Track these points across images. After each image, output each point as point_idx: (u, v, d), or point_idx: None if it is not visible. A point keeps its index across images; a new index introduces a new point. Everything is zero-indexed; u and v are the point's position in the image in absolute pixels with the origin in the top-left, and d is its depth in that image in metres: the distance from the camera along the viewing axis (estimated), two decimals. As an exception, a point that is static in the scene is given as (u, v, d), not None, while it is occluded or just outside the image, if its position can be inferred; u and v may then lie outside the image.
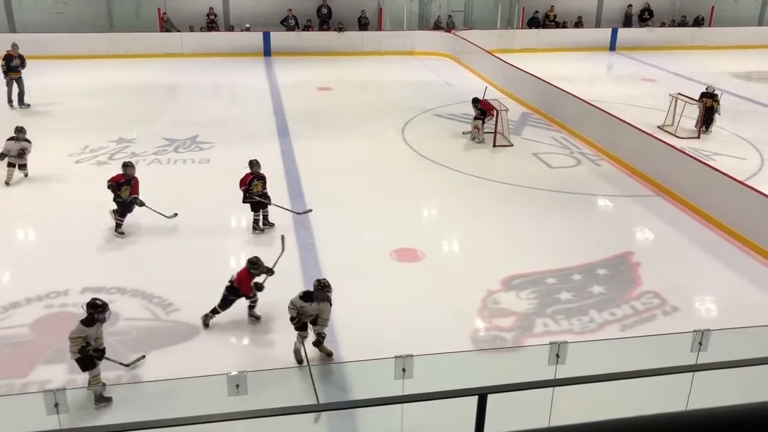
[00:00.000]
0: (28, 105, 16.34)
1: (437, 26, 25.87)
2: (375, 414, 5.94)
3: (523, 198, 11.69)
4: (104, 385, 6.40)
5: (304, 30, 24.64)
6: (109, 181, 9.68)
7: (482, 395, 3.35)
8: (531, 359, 7.14)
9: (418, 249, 9.55)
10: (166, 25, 24.08)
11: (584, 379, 3.73)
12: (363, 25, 25.10)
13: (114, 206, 9.70)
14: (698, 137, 14.92)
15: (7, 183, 11.44)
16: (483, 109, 14.36)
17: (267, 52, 23.58)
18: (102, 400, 6.36)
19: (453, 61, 23.42)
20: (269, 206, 10.08)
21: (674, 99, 15.51)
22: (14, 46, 16.51)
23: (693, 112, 15.22)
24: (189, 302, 8.02)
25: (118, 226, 9.71)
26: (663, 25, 27.52)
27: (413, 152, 13.91)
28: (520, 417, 3.16)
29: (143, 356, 7.07)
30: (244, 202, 9.89)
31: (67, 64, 21.06)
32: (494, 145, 14.26)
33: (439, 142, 14.48)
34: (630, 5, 27.33)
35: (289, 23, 24.39)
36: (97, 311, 6.34)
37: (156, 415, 3.58)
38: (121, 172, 9.82)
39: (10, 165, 11.53)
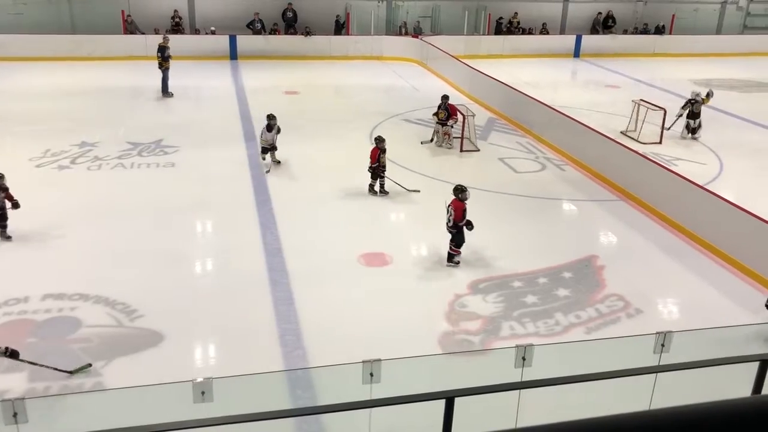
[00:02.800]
0: None
1: (404, 32, 25.99)
2: (343, 419, 5.91)
3: (489, 202, 11.78)
4: None
5: (270, 33, 24.52)
6: None
7: (450, 398, 3.37)
8: (498, 362, 7.18)
9: (385, 253, 9.55)
10: (130, 27, 23.73)
11: (550, 381, 3.77)
12: (339, 26, 25.11)
13: None
14: (660, 142, 15.23)
15: None
16: (449, 111, 14.44)
17: (233, 55, 23.40)
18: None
19: (421, 66, 23.53)
20: (385, 176, 11.71)
21: (637, 105, 15.81)
22: None
23: (655, 117, 15.51)
24: (153, 308, 7.90)
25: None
26: (625, 32, 28.07)
27: (381, 157, 13.90)
28: (487, 419, 3.17)
29: (89, 365, 6.92)
30: (369, 170, 11.67)
31: (27, 66, 20.61)
32: (461, 150, 14.36)
33: (407, 147, 14.51)
34: (600, 12, 27.79)
35: (255, 26, 24.24)
36: None
37: (120, 423, 3.51)
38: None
39: None
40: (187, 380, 4.83)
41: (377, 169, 11.63)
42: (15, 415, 4.27)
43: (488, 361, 7.52)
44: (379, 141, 11.66)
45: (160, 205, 10.97)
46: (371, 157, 11.61)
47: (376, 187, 11.76)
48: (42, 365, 6.68)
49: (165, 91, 17.97)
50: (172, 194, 11.46)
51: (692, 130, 15.66)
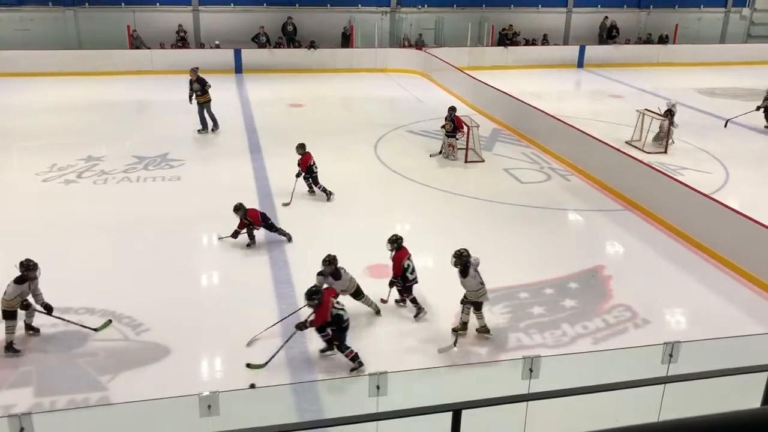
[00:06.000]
0: None
1: (407, 44, 26.11)
2: (349, 432, 5.89)
3: (495, 213, 11.78)
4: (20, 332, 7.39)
5: (275, 47, 24.66)
6: None
7: (456, 411, 3.35)
8: (505, 374, 7.16)
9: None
10: (135, 42, 23.89)
11: (558, 392, 3.74)
12: (345, 38, 25.26)
13: None
14: (665, 152, 15.20)
15: None
16: (455, 123, 14.47)
17: (238, 68, 23.53)
18: (11, 350, 7.18)
19: (424, 77, 23.60)
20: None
21: (641, 115, 15.80)
22: None
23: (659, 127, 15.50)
24: (159, 322, 7.90)
25: None
26: (628, 42, 28.10)
27: (386, 168, 13.95)
28: (494, 432, 3.15)
29: (110, 321, 7.78)
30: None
31: (34, 81, 20.78)
32: (466, 161, 14.37)
33: (412, 158, 14.54)
34: (606, 17, 27.78)
35: (260, 40, 24.39)
36: (28, 270, 7.28)
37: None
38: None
39: None
40: (193, 394, 4.82)
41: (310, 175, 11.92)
42: (22, 430, 4.28)
43: (495, 373, 7.48)
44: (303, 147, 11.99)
45: (166, 218, 11.00)
46: (303, 164, 11.83)
47: (315, 189, 12.03)
48: (68, 320, 7.63)
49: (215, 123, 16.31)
50: (178, 207, 11.49)
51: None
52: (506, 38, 26.41)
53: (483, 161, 14.52)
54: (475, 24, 26.67)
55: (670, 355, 5.53)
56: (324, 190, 12.05)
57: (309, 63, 23.99)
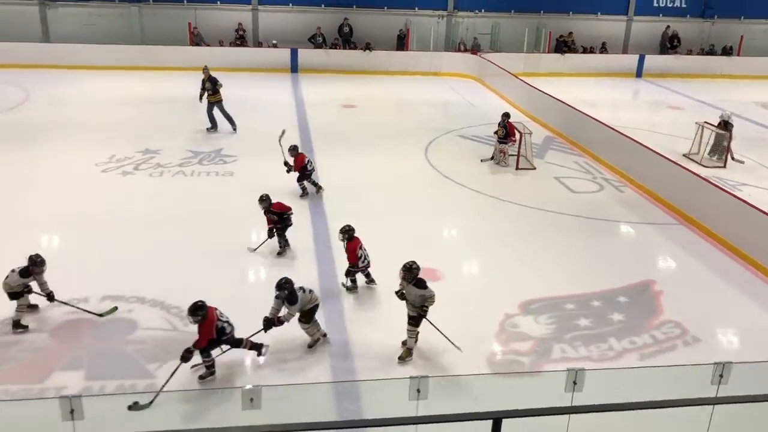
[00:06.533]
0: None
1: (462, 48, 26.01)
2: (388, 434, 5.90)
3: (544, 222, 11.62)
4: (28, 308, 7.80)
5: (331, 48, 24.89)
6: None
7: (497, 419, 3.32)
8: (547, 385, 7.06)
9: (437, 269, 9.51)
10: (195, 39, 24.45)
11: (601, 407, 3.68)
12: (401, 41, 25.32)
13: None
14: (724, 166, 14.75)
15: None
16: (507, 129, 14.35)
17: (294, 68, 23.83)
18: (19, 326, 7.56)
19: (478, 82, 23.48)
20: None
21: (700, 127, 15.37)
22: None
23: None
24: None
25: None
26: (690, 52, 27.38)
27: (436, 172, 13.92)
28: (534, 443, 3.12)
29: (116, 307, 8.02)
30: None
31: (98, 74, 21.47)
32: (517, 168, 14.23)
33: (462, 163, 14.48)
34: (668, 26, 27.14)
35: (316, 41, 24.67)
36: (35, 265, 7.52)
37: (170, 425, 3.60)
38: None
39: None
40: (236, 386, 4.91)
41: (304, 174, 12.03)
42: (72, 411, 4.42)
43: (538, 383, 7.38)
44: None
45: (218, 212, 11.22)
46: (296, 165, 11.96)
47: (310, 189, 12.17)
48: (75, 306, 7.90)
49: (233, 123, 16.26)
50: (230, 202, 11.70)
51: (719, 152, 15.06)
52: (564, 45, 26.03)
53: (534, 169, 14.35)
54: (532, 30, 26.37)
55: (721, 376, 5.36)
56: (314, 183, 12.24)
57: (363, 65, 24.14)
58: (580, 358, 7.68)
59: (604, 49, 26.78)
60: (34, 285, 7.71)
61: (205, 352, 6.81)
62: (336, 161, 14.19)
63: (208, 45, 24.28)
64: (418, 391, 4.91)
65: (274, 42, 24.56)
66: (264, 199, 9.71)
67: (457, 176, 13.55)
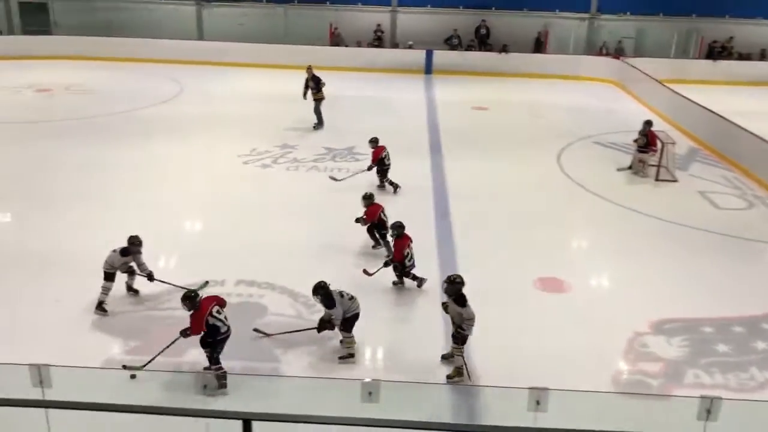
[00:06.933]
0: None
1: (604, 52, 25.04)
2: (503, 443, 5.81)
3: (683, 238, 10.94)
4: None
5: (466, 49, 24.82)
6: None
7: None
8: (677, 411, 6.63)
9: (564, 280, 9.23)
10: (336, 39, 25.25)
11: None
12: (539, 44, 24.82)
13: None
14: None
15: None
16: (648, 138, 13.65)
17: (428, 69, 23.99)
18: (101, 309, 7.95)
19: (618, 88, 22.51)
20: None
21: None
22: None
23: None
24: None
25: None
26: None
27: (568, 179, 13.50)
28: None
29: (207, 282, 8.46)
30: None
31: (244, 71, 22.73)
32: (657, 179, 13.49)
33: (597, 171, 13.94)
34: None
35: (452, 42, 24.69)
36: (133, 245, 7.99)
37: (288, 409, 3.75)
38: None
39: None
40: (355, 379, 5.02)
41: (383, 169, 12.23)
42: (205, 387, 4.71)
43: (667, 408, 6.95)
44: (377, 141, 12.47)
45: (346, 208, 11.50)
46: (374, 157, 12.25)
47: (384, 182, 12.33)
48: (170, 283, 8.38)
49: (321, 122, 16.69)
50: (358, 199, 11.95)
51: None
52: (717, 51, 24.34)
53: (676, 181, 13.54)
54: (682, 34, 24.91)
55: None
56: (391, 183, 12.31)
57: (499, 67, 23.87)
58: (716, 385, 7.17)
59: (763, 56, 24.77)
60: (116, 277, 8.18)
61: (211, 357, 6.65)
62: (464, 164, 14.13)
63: (347, 45, 24.98)
64: (537, 402, 4.80)
65: (410, 43, 24.84)
66: (368, 197, 10.05)
67: (590, 185, 13.07)
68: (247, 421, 3.63)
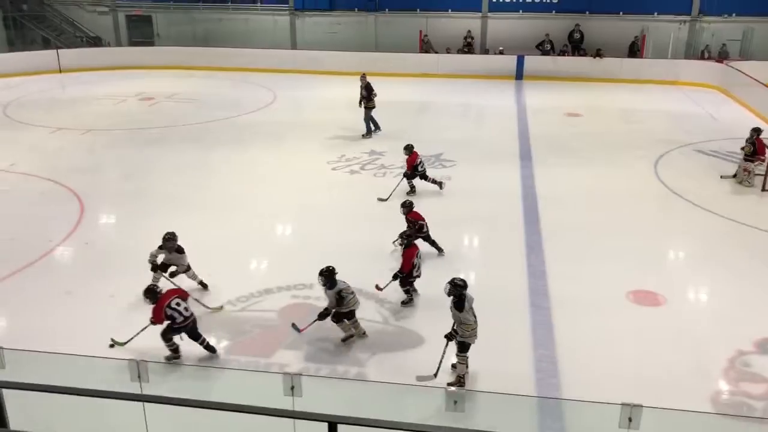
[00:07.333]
0: None
1: (706, 55, 23.88)
2: (592, 460, 5.61)
3: (793, 252, 10.25)
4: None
5: (559, 55, 24.29)
6: None
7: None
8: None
9: (658, 293, 8.84)
10: (425, 46, 25.31)
11: None
12: (633, 52, 23.97)
13: None
14: None
15: None
16: (756, 146, 12.89)
17: (519, 75, 23.64)
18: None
19: (722, 93, 21.40)
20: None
21: None
22: None
23: None
24: (416, 312, 8.30)
25: None
26: None
27: (665, 189, 12.93)
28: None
29: (221, 307, 8.41)
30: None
31: (335, 79, 23.15)
32: (763, 190, 12.70)
33: (697, 181, 13.28)
34: None
35: (544, 47, 24.23)
36: (166, 242, 8.39)
37: (372, 414, 3.76)
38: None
39: None
40: (441, 386, 4.98)
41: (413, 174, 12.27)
42: (292, 388, 4.80)
43: (770, 432, 6.54)
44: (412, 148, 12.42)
45: (433, 215, 11.46)
46: (408, 164, 12.27)
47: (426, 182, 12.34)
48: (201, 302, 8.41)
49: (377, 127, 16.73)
50: (445, 205, 11.92)
51: None
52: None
53: (785, 191, 12.72)
54: (793, 35, 23.44)
55: None
56: (434, 181, 12.41)
57: (592, 72, 23.23)
58: (828, 412, 6.66)
59: None
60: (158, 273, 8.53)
61: (165, 337, 7.28)
62: (555, 171, 13.81)
63: (436, 52, 24.99)
64: (630, 419, 4.60)
65: (501, 49, 24.57)
66: (406, 205, 9.87)
67: (689, 194, 12.46)
68: (332, 424, 3.68)
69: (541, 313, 8.40)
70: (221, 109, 19.17)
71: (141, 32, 28.17)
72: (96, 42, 27.75)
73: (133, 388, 5.07)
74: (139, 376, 5.09)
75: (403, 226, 9.65)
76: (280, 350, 7.60)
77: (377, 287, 8.57)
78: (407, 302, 8.58)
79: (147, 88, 22.18)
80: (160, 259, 8.54)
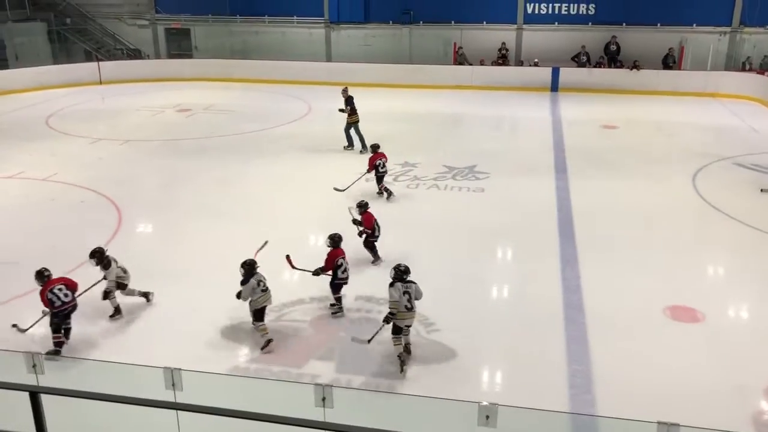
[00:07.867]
0: None
1: (747, 67, 23.41)
2: (627, 479, 5.50)
3: (838, 269, 9.95)
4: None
5: (595, 66, 24.07)
6: None
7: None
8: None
9: (697, 309, 8.65)
10: (459, 58, 25.31)
11: None
12: (667, 65, 23.58)
13: None
14: None
15: None
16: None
17: (554, 87, 23.49)
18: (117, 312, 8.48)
19: (763, 105, 20.95)
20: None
21: None
22: None
23: None
24: (449, 324, 8.24)
25: None
26: None
27: (704, 203, 12.69)
28: None
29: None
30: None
31: (369, 91, 23.19)
32: (806, 204, 12.40)
33: (737, 194, 13.00)
34: None
35: (580, 59, 24.04)
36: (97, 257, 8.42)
37: (403, 428, 3.74)
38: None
39: None
40: (473, 401, 4.94)
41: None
42: (324, 399, 4.81)
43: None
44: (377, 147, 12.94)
45: (466, 227, 11.44)
46: (369, 163, 12.72)
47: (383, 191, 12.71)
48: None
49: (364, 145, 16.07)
50: (478, 218, 11.86)
51: None
52: None
53: (829, 206, 12.38)
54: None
55: None
56: (386, 189, 12.72)
57: (629, 84, 22.97)
58: None
59: None
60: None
61: (52, 324, 7.62)
62: (591, 183, 13.65)
63: (471, 64, 24.97)
64: (669, 439, 4.50)
65: (536, 60, 24.44)
66: (361, 205, 10.16)
67: (729, 208, 12.20)
68: (361, 436, 3.67)
69: (576, 327, 8.28)
70: (257, 121, 19.41)
71: (179, 45, 28.73)
72: (135, 54, 28.38)
73: (167, 396, 5.12)
74: (173, 385, 5.15)
75: (437, 236, 9.63)
76: (312, 361, 7.61)
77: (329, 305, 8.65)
78: (334, 312, 8.56)
79: (184, 99, 22.59)
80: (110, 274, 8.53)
